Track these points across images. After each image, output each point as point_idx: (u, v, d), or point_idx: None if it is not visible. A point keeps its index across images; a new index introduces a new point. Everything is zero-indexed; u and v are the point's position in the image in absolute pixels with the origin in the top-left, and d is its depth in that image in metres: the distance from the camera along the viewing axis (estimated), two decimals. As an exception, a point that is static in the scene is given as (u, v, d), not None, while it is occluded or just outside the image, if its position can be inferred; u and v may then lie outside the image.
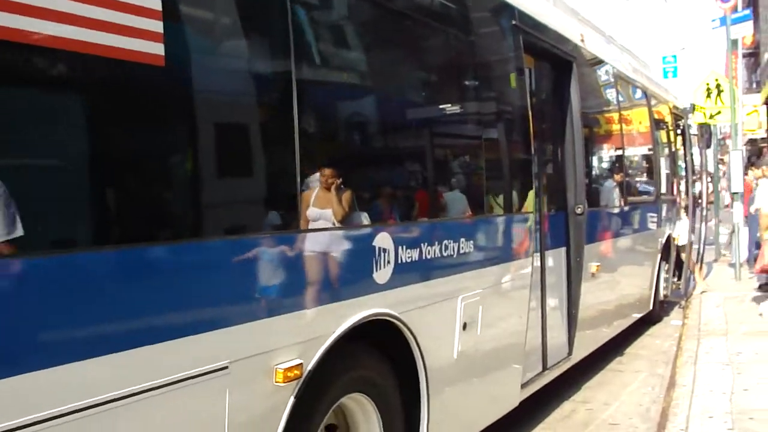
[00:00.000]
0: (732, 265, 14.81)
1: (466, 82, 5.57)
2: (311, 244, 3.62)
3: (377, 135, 4.56)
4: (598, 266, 7.79)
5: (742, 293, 12.67)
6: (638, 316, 10.20)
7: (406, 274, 4.25)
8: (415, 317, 4.29)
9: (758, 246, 14.05)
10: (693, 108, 14.30)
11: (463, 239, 4.89)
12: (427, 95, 5.09)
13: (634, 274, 9.80)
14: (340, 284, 3.78)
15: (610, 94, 8.96)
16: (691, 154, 13.62)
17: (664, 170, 11.49)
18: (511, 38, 6.04)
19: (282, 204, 3.53)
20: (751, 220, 14.71)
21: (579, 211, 7.21)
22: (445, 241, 4.67)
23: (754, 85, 41.00)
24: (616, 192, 8.79)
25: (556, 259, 7.03)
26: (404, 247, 4.23)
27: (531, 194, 6.13)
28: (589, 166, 7.88)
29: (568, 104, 7.25)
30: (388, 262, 4.09)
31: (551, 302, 6.83)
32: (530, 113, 6.13)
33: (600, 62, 8.46)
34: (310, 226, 3.64)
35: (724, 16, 15.22)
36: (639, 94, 10.27)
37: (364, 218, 4.06)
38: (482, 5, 5.76)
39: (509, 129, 5.95)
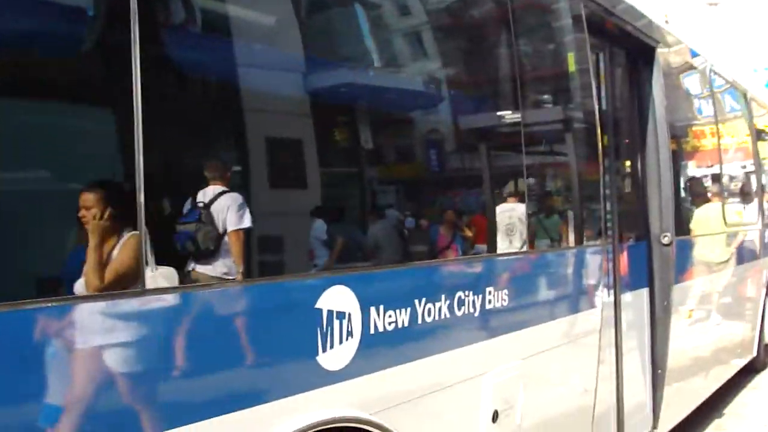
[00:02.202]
0: None
1: (501, 72, 4.06)
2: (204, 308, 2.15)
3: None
4: (691, 311, 6.11)
5: None
6: (740, 365, 8.42)
7: (383, 350, 2.73)
8: (403, 419, 2.75)
9: None
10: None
11: (490, 288, 3.35)
12: (437, 85, 3.59)
13: (735, 315, 8.04)
14: (252, 378, 2.29)
15: (703, 94, 7.24)
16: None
17: (765, 187, 9.65)
18: (567, 14, 4.51)
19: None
20: None
21: (666, 240, 5.54)
22: (458, 293, 3.13)
23: None
24: (713, 215, 7.05)
25: (635, 304, 5.40)
26: (378, 307, 2.71)
27: (599, 220, 4.54)
28: (677, 183, 6.21)
29: (650, 103, 5.61)
30: (349, 333, 2.56)
31: (630, 364, 5.19)
32: (596, 114, 4.58)
33: (690, 52, 6.77)
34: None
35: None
36: (738, 97, 8.49)
37: (301, 262, 2.56)
38: None
39: (566, 134, 4.42)
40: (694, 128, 7.13)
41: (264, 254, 2.48)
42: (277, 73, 2.66)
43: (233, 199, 2.29)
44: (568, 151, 4.50)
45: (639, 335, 5.50)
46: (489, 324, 3.37)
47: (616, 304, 5.00)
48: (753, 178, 8.90)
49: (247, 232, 2.31)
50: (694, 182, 7.09)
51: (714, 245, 7.09)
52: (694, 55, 6.88)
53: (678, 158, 6.47)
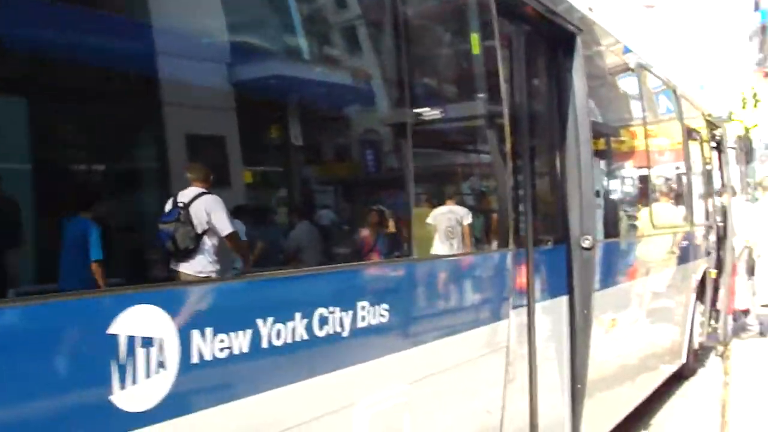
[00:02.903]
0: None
1: (385, 62, 3.55)
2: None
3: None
4: (614, 318, 5.70)
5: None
6: (668, 372, 8.09)
7: (213, 384, 2.21)
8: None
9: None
10: (729, 116, 12.16)
11: (363, 302, 2.84)
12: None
13: (662, 321, 7.69)
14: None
15: (630, 87, 6.85)
16: (728, 170, 11.44)
17: (698, 190, 9.33)
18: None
19: None
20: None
21: (586, 243, 5.11)
22: (320, 310, 2.62)
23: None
24: (639, 216, 6.67)
25: (553, 313, 4.96)
26: (204, 330, 2.16)
27: (507, 223, 4.08)
28: (600, 182, 5.80)
29: (570, 96, 5.18)
30: (161, 365, 2.03)
31: (546, 379, 4.75)
32: (505, 107, 4.11)
33: (616, 44, 6.37)
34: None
35: (764, 8, 13.01)
36: (666, 93, 8.14)
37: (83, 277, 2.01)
38: None
39: (463, 127, 3.95)
40: (619, 124, 6.73)
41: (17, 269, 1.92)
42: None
43: None
44: (468, 148, 4.04)
45: (557, 347, 5.06)
46: (363, 344, 2.85)
47: (530, 314, 4.55)
48: (683, 179, 8.57)
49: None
50: (619, 182, 6.68)
51: (640, 248, 6.71)
52: (620, 46, 6.48)
53: (601, 156, 6.07)
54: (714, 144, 10.90)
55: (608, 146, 6.41)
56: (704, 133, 10.13)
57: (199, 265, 2.36)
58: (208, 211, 2.37)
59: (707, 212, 10.11)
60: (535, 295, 4.65)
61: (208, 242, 2.35)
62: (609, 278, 5.77)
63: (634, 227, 6.63)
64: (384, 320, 2.93)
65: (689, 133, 8.97)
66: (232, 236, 2.43)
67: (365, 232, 3.04)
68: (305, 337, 2.51)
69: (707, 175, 10.33)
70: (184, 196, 2.32)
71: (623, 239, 6.30)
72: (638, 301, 6.62)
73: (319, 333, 2.57)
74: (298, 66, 3.00)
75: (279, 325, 2.40)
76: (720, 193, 11.11)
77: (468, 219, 3.78)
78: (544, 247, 4.98)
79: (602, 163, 6.11)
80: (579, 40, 5.17)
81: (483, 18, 4.18)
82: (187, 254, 2.32)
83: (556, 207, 5.21)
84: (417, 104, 3.52)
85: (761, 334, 10.88)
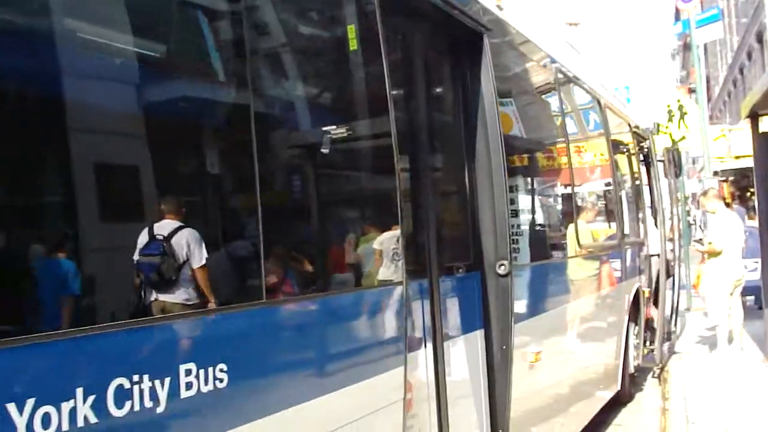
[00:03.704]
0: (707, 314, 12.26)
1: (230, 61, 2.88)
2: None
3: None
4: (539, 352, 5.11)
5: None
6: (603, 401, 7.52)
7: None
8: None
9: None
10: (657, 128, 11.79)
11: (189, 365, 2.15)
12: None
13: (594, 347, 7.14)
14: None
15: (550, 97, 6.31)
16: (659, 185, 11.02)
17: (627, 205, 8.84)
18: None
19: None
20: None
21: (502, 270, 4.49)
22: (115, 381, 1.92)
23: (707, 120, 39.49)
24: (563, 237, 6.11)
25: (465, 351, 4.33)
26: None
27: (395, 251, 3.44)
28: (516, 199, 5.21)
29: (477, 103, 4.58)
30: None
31: (459, 428, 4.08)
32: (390, 117, 3.44)
33: (531, 46, 5.82)
34: None
35: (686, 18, 12.75)
36: (590, 103, 7.63)
37: None
38: None
39: (333, 142, 3.28)
40: (538, 136, 6.16)
41: None
42: None
43: None
44: (339, 168, 3.39)
45: (473, 389, 4.42)
46: (190, 420, 2.16)
47: (437, 356, 3.90)
48: (610, 194, 8.04)
49: None
50: (540, 199, 6.09)
51: (566, 271, 6.13)
52: (537, 48, 5.92)
53: (519, 171, 5.49)
54: (642, 157, 10.50)
55: (526, 160, 5.83)
56: (632, 146, 9.71)
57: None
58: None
59: (638, 228, 9.67)
60: (442, 332, 4.00)
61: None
62: (532, 306, 5.18)
63: (558, 248, 6.05)
64: (221, 386, 2.24)
65: (616, 146, 8.50)
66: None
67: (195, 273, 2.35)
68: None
69: (636, 190, 9.91)
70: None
71: (546, 262, 5.71)
72: (566, 329, 6.04)
73: (117, 413, 1.88)
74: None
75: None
76: (651, 208, 10.72)
77: (347, 250, 3.13)
78: (452, 276, 4.36)
79: (520, 179, 5.53)
80: (486, 41, 4.58)
81: (361, 11, 3.55)
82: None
83: (467, 230, 4.58)
84: (264, 116, 2.86)
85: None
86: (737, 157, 18.63)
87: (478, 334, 4.49)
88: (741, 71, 34.75)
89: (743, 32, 34.22)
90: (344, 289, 3.28)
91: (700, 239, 10.72)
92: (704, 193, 11.35)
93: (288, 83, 3.20)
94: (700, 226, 11.29)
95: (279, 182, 3.06)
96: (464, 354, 4.30)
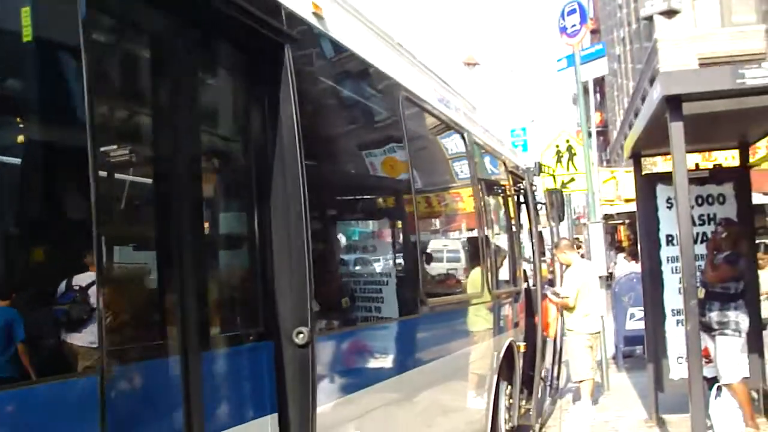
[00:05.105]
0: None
1: None
2: None
3: None
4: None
5: (614, 405, 9.83)
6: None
7: None
8: None
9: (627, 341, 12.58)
10: (539, 168, 11.14)
11: None
12: None
13: (446, 420, 6.18)
14: None
15: (391, 126, 5.34)
16: (539, 229, 10.32)
17: (495, 252, 7.99)
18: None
19: None
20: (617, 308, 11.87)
21: (301, 339, 3.53)
22: None
23: (605, 164, 40.05)
24: (402, 291, 5.15)
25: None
26: None
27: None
28: (328, 248, 4.27)
29: (276, 130, 3.65)
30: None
31: None
32: (89, 153, 2.42)
33: (364, 63, 4.86)
34: None
35: (571, 54, 12.26)
36: (452, 135, 6.78)
37: None
38: None
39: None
40: (368, 174, 5.18)
41: None
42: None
43: None
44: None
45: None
46: None
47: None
48: (475, 240, 7.15)
49: None
50: (367, 249, 5.10)
51: (401, 334, 5.13)
52: (372, 64, 4.97)
53: (337, 217, 4.57)
54: (521, 200, 9.75)
55: (354, 205, 4.91)
56: (507, 187, 8.95)
57: None
58: None
59: (512, 277, 8.89)
60: (212, 425, 3.02)
61: None
62: (349, 381, 4.22)
63: (392, 306, 5.03)
64: None
65: (486, 187, 7.70)
66: None
67: None
68: None
69: (511, 234, 9.15)
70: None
71: (366, 326, 4.72)
72: (402, 404, 5.02)
73: None
74: None
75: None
76: (529, 254, 10.02)
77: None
78: (232, 348, 3.38)
79: (339, 226, 4.60)
80: (288, 54, 3.66)
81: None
82: None
83: (254, 291, 3.62)
84: None
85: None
86: (627, 201, 18.37)
87: (267, 420, 3.51)
88: (636, 115, 35.29)
89: (638, 77, 34.85)
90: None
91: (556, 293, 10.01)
92: (556, 245, 10.64)
93: None
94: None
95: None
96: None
